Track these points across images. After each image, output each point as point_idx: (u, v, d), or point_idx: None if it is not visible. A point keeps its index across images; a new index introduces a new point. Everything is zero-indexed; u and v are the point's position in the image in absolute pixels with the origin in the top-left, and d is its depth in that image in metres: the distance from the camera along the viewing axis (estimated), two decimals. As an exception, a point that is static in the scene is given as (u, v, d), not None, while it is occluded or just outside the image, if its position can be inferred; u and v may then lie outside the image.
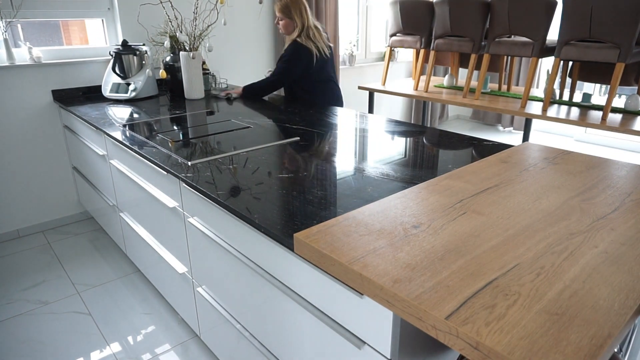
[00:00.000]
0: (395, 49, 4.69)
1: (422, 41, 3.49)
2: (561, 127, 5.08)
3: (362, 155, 1.64)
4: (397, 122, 2.14)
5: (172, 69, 2.78)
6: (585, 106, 3.03)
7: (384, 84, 3.89)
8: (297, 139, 1.84)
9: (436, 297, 0.77)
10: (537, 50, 2.86)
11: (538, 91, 3.57)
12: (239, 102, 2.60)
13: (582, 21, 2.56)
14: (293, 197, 1.27)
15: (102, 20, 2.90)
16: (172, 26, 2.88)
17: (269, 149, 1.72)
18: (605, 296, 0.77)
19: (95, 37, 2.97)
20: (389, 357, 0.92)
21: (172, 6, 2.76)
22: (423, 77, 4.20)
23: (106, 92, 2.66)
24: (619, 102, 3.13)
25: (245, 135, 1.90)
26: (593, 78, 3.20)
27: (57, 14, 2.70)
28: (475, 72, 4.12)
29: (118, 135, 1.96)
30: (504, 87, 3.76)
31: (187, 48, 2.63)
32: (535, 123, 5.23)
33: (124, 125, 2.10)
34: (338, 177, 1.42)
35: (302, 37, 2.52)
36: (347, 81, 4.44)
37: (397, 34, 3.68)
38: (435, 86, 3.82)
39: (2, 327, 2.02)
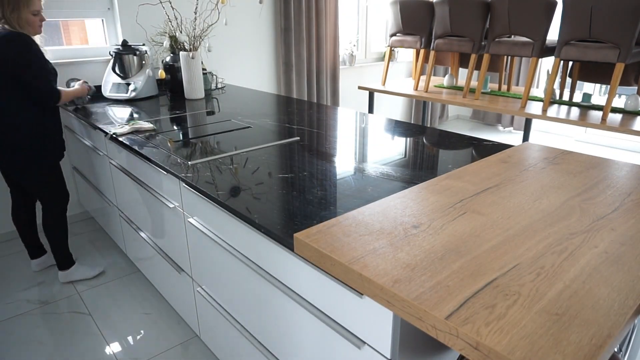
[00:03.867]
0: (395, 49, 4.69)
1: (422, 41, 3.49)
2: (561, 127, 5.08)
3: (362, 155, 1.64)
4: (397, 122, 2.14)
5: (172, 69, 2.78)
6: (585, 106, 3.03)
7: (384, 84, 3.89)
8: (297, 139, 1.84)
9: (436, 297, 0.77)
10: (537, 50, 2.86)
11: (538, 91, 3.57)
12: (239, 101, 2.60)
13: (582, 21, 2.56)
14: (293, 197, 1.27)
15: (102, 20, 2.90)
16: (172, 26, 2.88)
17: (269, 149, 1.72)
18: (605, 296, 0.77)
19: (95, 37, 2.97)
20: (389, 357, 0.92)
21: (171, 6, 2.76)
22: (423, 77, 4.21)
23: (106, 92, 2.66)
24: (619, 102, 3.13)
25: (245, 135, 1.90)
26: (593, 78, 3.20)
27: (57, 14, 2.70)
28: (475, 72, 4.12)
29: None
30: (504, 87, 3.76)
31: (186, 48, 2.63)
32: (535, 123, 5.23)
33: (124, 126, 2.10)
34: (338, 177, 1.42)
35: None
36: (347, 81, 4.44)
37: (397, 34, 3.68)
38: (435, 86, 3.82)
39: (2, 327, 2.02)
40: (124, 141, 1.87)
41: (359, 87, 3.90)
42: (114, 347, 1.90)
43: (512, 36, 3.09)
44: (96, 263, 2.47)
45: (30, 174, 2.08)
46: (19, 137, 1.99)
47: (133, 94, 2.62)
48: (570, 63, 3.25)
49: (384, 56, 4.19)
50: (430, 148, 1.73)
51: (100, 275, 2.41)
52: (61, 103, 2.09)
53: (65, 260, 2.30)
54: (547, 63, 4.77)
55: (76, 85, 2.31)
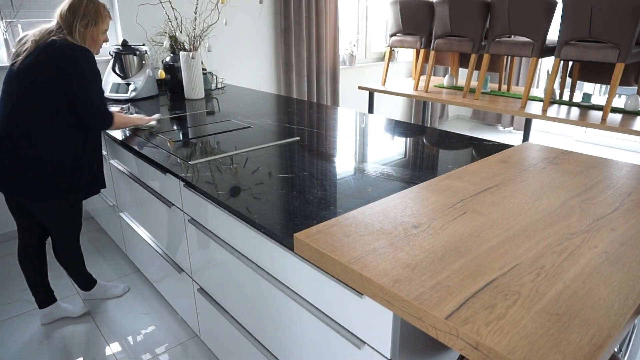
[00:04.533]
0: (395, 49, 4.69)
1: (422, 41, 3.49)
2: (561, 127, 5.08)
3: (362, 155, 1.64)
4: (397, 122, 2.14)
5: (172, 69, 2.78)
6: (585, 106, 3.03)
7: (384, 84, 3.89)
8: (297, 139, 1.84)
9: (436, 297, 0.77)
10: (537, 50, 2.86)
11: (538, 91, 3.57)
12: (239, 101, 2.60)
13: (582, 21, 2.56)
14: (293, 197, 1.27)
15: (102, 20, 2.90)
16: (172, 26, 2.88)
17: (269, 149, 1.72)
18: (605, 296, 0.77)
19: (95, 37, 2.96)
20: (389, 357, 0.92)
21: (171, 6, 2.76)
22: (423, 77, 4.20)
23: (106, 92, 2.66)
24: (619, 102, 3.13)
25: (245, 135, 1.90)
26: (593, 78, 3.20)
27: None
28: (475, 72, 4.12)
29: (118, 135, 1.96)
30: (504, 87, 3.76)
31: (186, 48, 2.63)
32: (535, 123, 5.23)
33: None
34: (338, 177, 1.42)
35: None
36: (347, 81, 4.44)
37: (397, 34, 3.68)
38: (435, 86, 3.82)
39: (2, 327, 2.02)
40: (124, 141, 1.87)
41: (359, 87, 3.90)
42: (113, 347, 1.90)
43: (512, 36, 3.09)
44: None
45: (53, 206, 1.77)
46: (51, 159, 1.68)
47: (133, 94, 2.62)
48: (570, 63, 3.25)
49: (384, 56, 4.19)
50: (430, 148, 1.73)
51: (100, 275, 2.41)
52: (113, 128, 1.82)
53: (87, 283, 2.11)
54: (547, 63, 4.77)
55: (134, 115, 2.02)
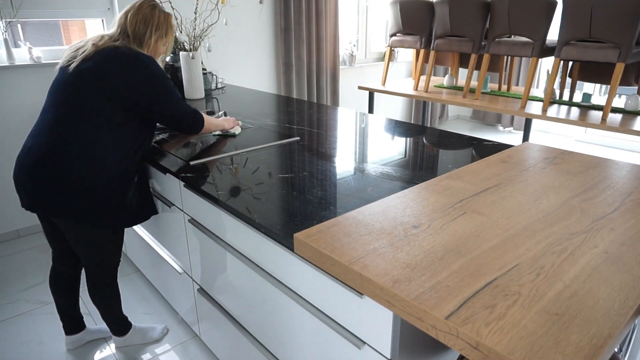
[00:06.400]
0: (395, 49, 4.69)
1: (422, 41, 3.49)
2: (561, 127, 5.08)
3: (362, 155, 1.64)
4: (397, 122, 2.14)
5: (172, 69, 2.78)
6: (585, 106, 3.03)
7: (384, 84, 3.89)
8: (297, 139, 1.84)
9: (436, 297, 0.77)
10: (537, 50, 2.86)
11: (538, 91, 3.57)
12: (239, 101, 2.60)
13: (582, 21, 2.56)
14: (293, 197, 1.27)
15: (102, 20, 2.90)
16: (172, 26, 2.88)
17: (269, 149, 1.72)
18: (605, 296, 0.77)
19: (95, 37, 2.96)
20: (389, 357, 0.92)
21: (171, 6, 2.76)
22: (423, 77, 4.20)
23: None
24: (619, 102, 3.13)
25: (245, 135, 1.90)
26: (593, 78, 3.20)
27: (57, 14, 2.70)
28: (475, 72, 4.12)
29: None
30: (504, 87, 3.76)
31: (186, 48, 2.63)
32: (535, 123, 5.23)
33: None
34: (338, 177, 1.42)
35: None
36: (347, 81, 4.44)
37: (397, 34, 3.68)
38: (435, 86, 3.82)
39: (2, 327, 2.02)
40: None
41: (359, 87, 3.90)
42: (113, 347, 1.90)
43: (512, 36, 3.09)
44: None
45: (91, 230, 1.55)
46: (102, 174, 1.47)
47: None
48: (570, 63, 3.25)
49: (384, 56, 4.19)
50: (430, 148, 1.73)
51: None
52: (203, 132, 1.76)
53: (120, 327, 1.85)
54: (547, 63, 4.77)
55: (220, 117, 1.96)
